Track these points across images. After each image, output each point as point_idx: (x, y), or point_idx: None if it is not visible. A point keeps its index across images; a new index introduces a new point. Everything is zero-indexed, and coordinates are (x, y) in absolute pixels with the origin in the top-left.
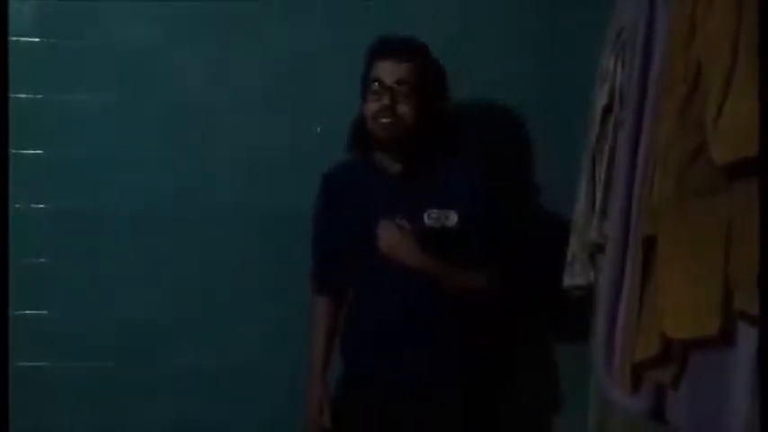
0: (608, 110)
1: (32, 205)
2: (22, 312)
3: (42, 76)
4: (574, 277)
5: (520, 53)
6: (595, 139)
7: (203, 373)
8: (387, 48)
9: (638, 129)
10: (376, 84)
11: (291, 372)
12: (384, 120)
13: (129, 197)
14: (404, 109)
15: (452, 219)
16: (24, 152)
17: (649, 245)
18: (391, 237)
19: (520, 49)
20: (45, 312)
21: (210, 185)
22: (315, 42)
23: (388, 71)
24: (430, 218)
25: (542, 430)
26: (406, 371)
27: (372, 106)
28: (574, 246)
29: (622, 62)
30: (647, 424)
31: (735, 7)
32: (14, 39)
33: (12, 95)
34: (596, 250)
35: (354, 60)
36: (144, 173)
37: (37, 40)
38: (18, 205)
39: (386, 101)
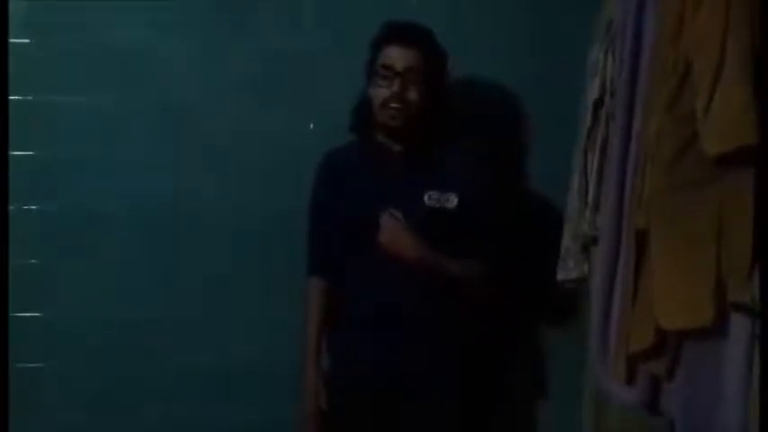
0: (599, 103)
1: (23, 206)
2: (14, 314)
3: (33, 77)
4: (568, 271)
5: (516, 44)
6: (587, 132)
7: (201, 373)
8: (396, 33)
9: (629, 122)
10: (385, 69)
11: (291, 371)
12: (393, 106)
13: (121, 198)
14: (412, 96)
15: (452, 201)
16: (15, 153)
17: (642, 237)
18: (391, 230)
19: (516, 41)
20: (38, 314)
21: (205, 185)
22: (309, 41)
23: (398, 57)
24: (430, 199)
25: (535, 422)
26: (402, 363)
27: (381, 92)
28: (567, 239)
29: (612, 55)
30: (642, 415)
31: (723, 0)
32: None
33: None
34: (590, 243)
35: (350, 58)
36: (136, 174)
37: (27, 41)
38: (10, 207)
39: (395, 87)
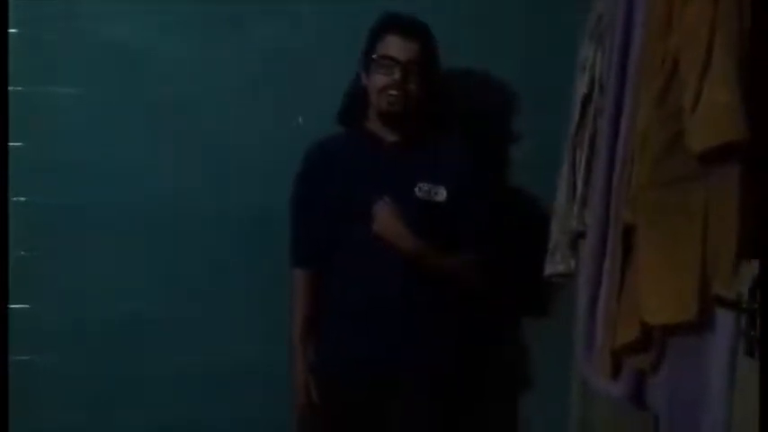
0: (587, 99)
1: (12, 199)
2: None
3: (23, 68)
4: (555, 266)
5: (509, 38)
6: (575, 128)
7: (200, 372)
8: (398, 24)
9: (617, 117)
10: (385, 59)
11: (282, 371)
12: (392, 93)
13: (111, 192)
14: (412, 85)
15: (441, 194)
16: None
17: (628, 232)
18: (386, 218)
19: (509, 34)
20: (27, 306)
21: (200, 183)
22: (299, 38)
23: (400, 48)
24: (420, 191)
25: (523, 415)
26: (393, 356)
27: (381, 80)
28: (555, 234)
29: (602, 51)
30: (628, 410)
31: None
32: None
33: None
34: (577, 238)
35: (340, 56)
36: (129, 171)
37: (16, 31)
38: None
39: (396, 76)
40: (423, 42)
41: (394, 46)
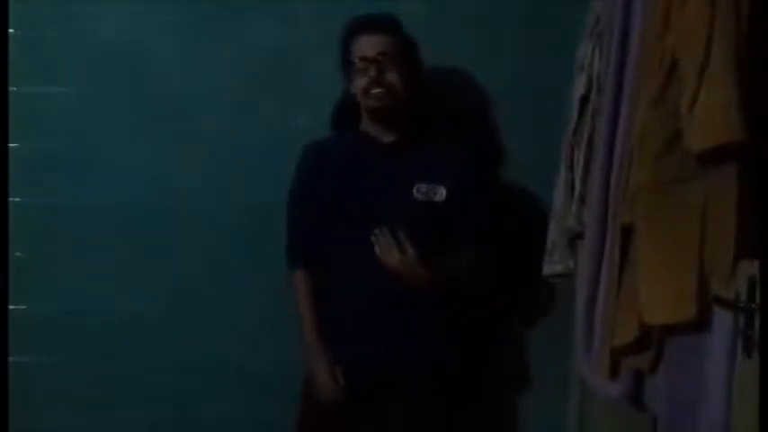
0: (585, 99)
1: (12, 199)
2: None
3: (23, 68)
4: (553, 266)
5: (505, 37)
6: (574, 127)
7: (189, 371)
8: (363, 23)
9: (615, 117)
10: (359, 61)
11: (282, 371)
12: (375, 90)
13: (111, 192)
14: (392, 77)
15: (441, 194)
16: None
17: (627, 232)
18: (393, 259)
19: (506, 33)
20: (26, 307)
21: (195, 182)
22: (298, 38)
23: (369, 45)
24: (419, 191)
25: (522, 415)
26: (393, 355)
27: (361, 81)
28: (553, 233)
29: (600, 51)
30: (627, 410)
31: None
32: None
33: None
34: (575, 237)
35: (335, 54)
36: (127, 168)
37: (16, 31)
38: None
39: (373, 73)
40: (391, 34)
41: (363, 44)
